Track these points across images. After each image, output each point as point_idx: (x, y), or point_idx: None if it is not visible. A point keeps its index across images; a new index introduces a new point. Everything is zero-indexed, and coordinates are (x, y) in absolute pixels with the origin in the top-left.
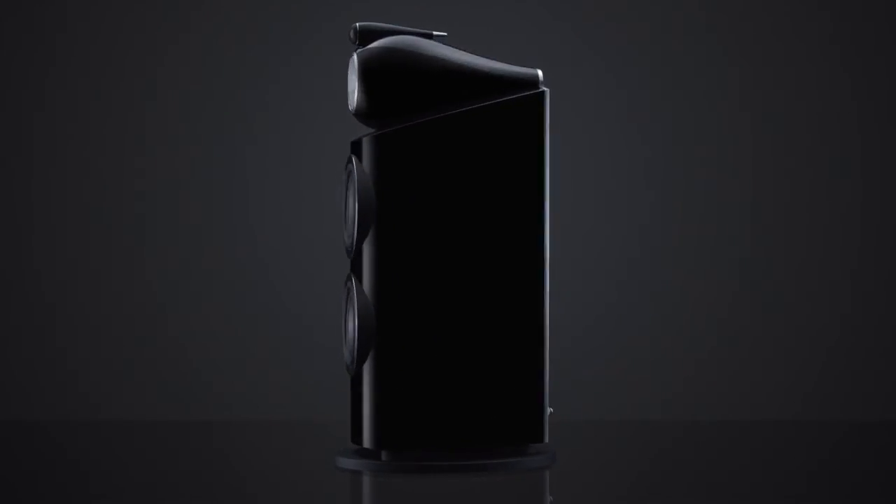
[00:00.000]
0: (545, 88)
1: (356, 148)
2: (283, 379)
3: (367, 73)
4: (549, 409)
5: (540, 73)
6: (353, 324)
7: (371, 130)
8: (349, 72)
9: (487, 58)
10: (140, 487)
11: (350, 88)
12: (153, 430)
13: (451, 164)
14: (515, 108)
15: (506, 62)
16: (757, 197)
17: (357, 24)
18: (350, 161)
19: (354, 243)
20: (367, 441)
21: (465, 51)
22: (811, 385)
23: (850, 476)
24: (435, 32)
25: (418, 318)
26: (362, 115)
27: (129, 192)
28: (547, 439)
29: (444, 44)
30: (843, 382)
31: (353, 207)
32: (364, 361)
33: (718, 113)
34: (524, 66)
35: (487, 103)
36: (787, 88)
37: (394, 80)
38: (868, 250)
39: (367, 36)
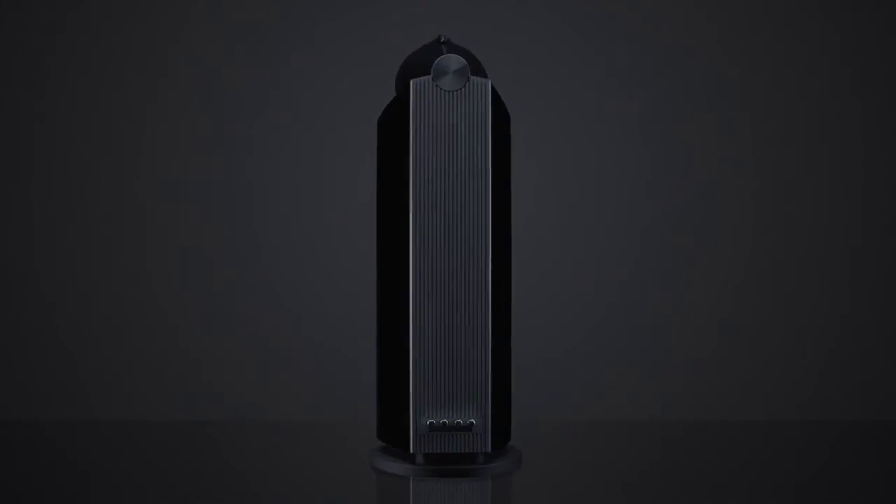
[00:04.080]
0: (432, 75)
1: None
2: (284, 379)
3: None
4: (454, 420)
5: (440, 60)
6: None
7: None
8: None
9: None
10: (140, 487)
11: None
12: (153, 431)
13: (386, 154)
14: (399, 101)
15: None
16: (757, 197)
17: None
18: None
19: None
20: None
21: (451, 49)
22: (811, 385)
23: (851, 476)
24: (442, 38)
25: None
26: None
27: (129, 191)
28: (414, 448)
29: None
30: (843, 382)
31: None
32: None
33: (718, 113)
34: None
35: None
36: (787, 88)
37: (398, 81)
38: (868, 250)
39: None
